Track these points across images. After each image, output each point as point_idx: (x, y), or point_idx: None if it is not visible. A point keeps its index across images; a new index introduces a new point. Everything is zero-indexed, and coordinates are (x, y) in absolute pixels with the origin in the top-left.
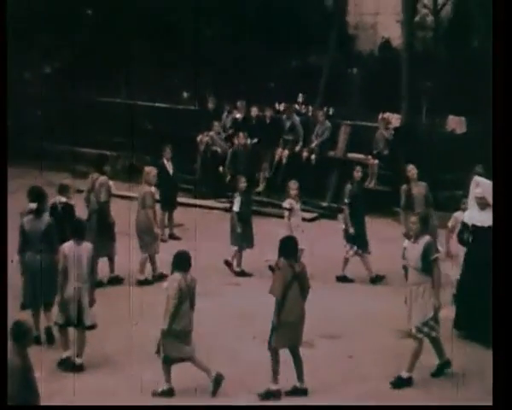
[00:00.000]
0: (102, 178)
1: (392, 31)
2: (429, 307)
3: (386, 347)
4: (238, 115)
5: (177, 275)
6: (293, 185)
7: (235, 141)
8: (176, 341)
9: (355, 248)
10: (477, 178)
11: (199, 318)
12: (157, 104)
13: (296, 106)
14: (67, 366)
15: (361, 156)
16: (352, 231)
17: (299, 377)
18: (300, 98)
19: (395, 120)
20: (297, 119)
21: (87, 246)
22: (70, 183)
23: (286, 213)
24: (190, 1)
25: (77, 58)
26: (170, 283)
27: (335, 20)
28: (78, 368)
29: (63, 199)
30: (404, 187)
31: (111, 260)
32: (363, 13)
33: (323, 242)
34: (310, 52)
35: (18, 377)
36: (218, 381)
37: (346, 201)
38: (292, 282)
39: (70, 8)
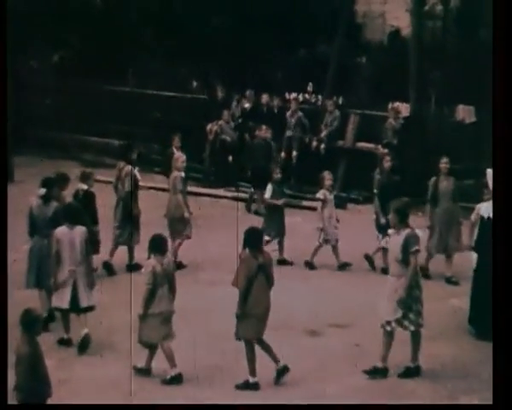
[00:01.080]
0: (127, 168)
1: (400, 20)
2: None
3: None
4: (247, 105)
5: (152, 260)
6: (327, 176)
7: (257, 133)
8: (154, 325)
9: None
10: (489, 171)
11: (207, 307)
12: (166, 93)
13: (306, 95)
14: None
15: (370, 146)
16: (383, 221)
17: (275, 359)
18: (310, 88)
19: (404, 109)
20: (301, 114)
21: (80, 230)
22: (91, 171)
23: (319, 204)
24: None
25: (85, 47)
26: (145, 268)
27: (344, 9)
28: (80, 350)
29: (84, 186)
30: (432, 179)
31: (130, 249)
32: (372, 1)
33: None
34: (318, 41)
35: (27, 366)
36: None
37: (374, 191)
38: (257, 273)
39: None
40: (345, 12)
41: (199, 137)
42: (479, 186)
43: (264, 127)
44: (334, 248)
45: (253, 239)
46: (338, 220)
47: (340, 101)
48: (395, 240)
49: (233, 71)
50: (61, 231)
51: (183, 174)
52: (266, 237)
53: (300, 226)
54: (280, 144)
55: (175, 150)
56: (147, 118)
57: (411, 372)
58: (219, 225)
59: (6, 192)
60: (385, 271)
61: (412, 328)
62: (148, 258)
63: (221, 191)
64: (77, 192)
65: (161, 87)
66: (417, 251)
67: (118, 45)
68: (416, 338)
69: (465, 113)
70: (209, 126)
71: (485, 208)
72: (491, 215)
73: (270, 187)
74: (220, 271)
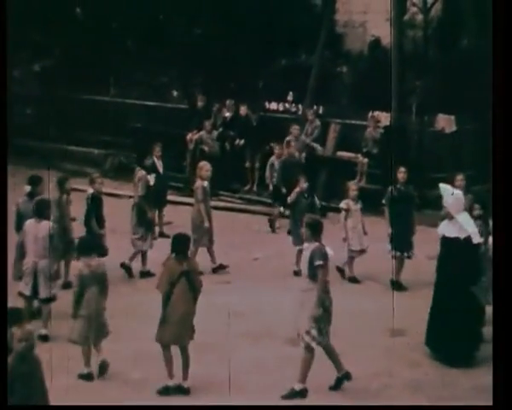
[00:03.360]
0: (140, 173)
1: (381, 29)
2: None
3: (375, 345)
4: (227, 114)
5: (80, 263)
6: (353, 186)
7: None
8: (84, 325)
9: (398, 253)
10: (441, 186)
11: None
12: (146, 102)
13: (286, 104)
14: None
15: (350, 155)
16: (389, 231)
17: (184, 375)
18: (290, 97)
19: (384, 118)
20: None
21: (46, 224)
22: (98, 175)
23: (342, 214)
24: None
25: (66, 56)
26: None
27: (324, 19)
28: (44, 338)
29: (91, 190)
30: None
31: (143, 254)
32: (353, 11)
33: None
34: (299, 51)
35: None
36: (102, 367)
37: (383, 202)
38: (179, 278)
39: (59, 6)
40: (325, 21)
41: (179, 147)
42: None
43: (292, 144)
44: (351, 260)
45: (178, 245)
46: (366, 233)
47: (321, 110)
48: (305, 254)
49: (213, 80)
50: (29, 223)
51: (205, 183)
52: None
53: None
54: (256, 153)
55: (155, 159)
56: (127, 127)
57: (341, 381)
58: None
59: (6, 192)
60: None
61: (317, 343)
62: (78, 260)
63: None
64: (88, 196)
65: (142, 96)
66: (321, 266)
67: (99, 55)
68: (329, 352)
69: (445, 122)
70: (189, 135)
71: (443, 227)
72: (447, 234)
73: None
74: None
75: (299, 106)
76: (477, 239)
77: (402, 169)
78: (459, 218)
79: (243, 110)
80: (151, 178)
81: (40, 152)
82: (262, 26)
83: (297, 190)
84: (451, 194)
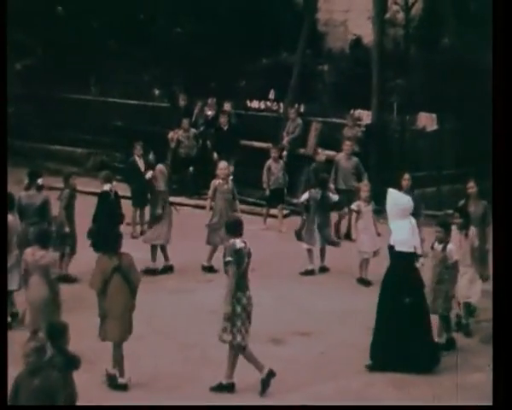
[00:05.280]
0: (159, 167)
1: (362, 28)
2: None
3: (356, 343)
4: (209, 113)
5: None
6: (364, 187)
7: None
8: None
9: None
10: (390, 191)
11: (172, 314)
12: (128, 101)
13: (268, 103)
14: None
15: (331, 153)
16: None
17: (121, 373)
18: (272, 95)
19: (366, 117)
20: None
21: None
22: (110, 173)
23: (353, 216)
24: None
25: (47, 55)
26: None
27: (306, 18)
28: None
29: (106, 187)
30: (460, 204)
31: (163, 249)
32: (334, 10)
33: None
34: (280, 50)
35: None
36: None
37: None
38: (112, 274)
39: (41, 4)
40: (307, 20)
41: (161, 145)
42: (440, 194)
43: (319, 150)
44: (364, 262)
45: (109, 242)
46: (379, 234)
47: (302, 108)
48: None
49: (195, 79)
50: (11, 218)
51: (217, 182)
52: (306, 246)
53: (262, 233)
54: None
55: (136, 158)
56: (109, 126)
57: (267, 382)
58: (182, 233)
59: (6, 192)
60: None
61: (229, 341)
62: None
63: (183, 199)
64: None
65: (124, 95)
66: (228, 262)
67: (80, 54)
68: (232, 353)
69: (427, 120)
70: (171, 134)
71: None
72: (397, 248)
73: (306, 195)
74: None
75: (281, 104)
76: (408, 247)
77: (406, 176)
78: (394, 225)
79: (227, 107)
80: (166, 173)
81: (22, 151)
82: (243, 24)
83: (310, 189)
84: (406, 200)
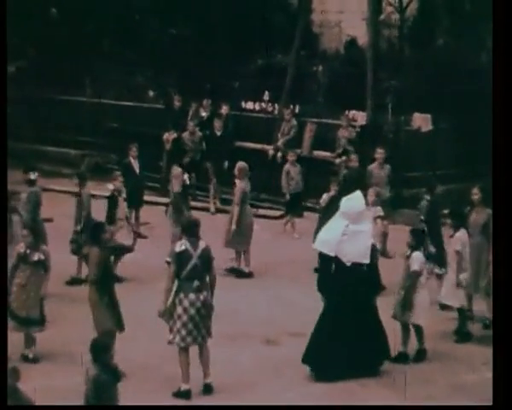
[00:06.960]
0: (176, 170)
1: (357, 29)
2: None
3: None
4: (204, 114)
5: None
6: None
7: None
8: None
9: (431, 266)
10: (358, 194)
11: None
12: (123, 103)
13: (263, 104)
14: None
15: (327, 154)
16: (432, 250)
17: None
18: (266, 96)
19: (361, 117)
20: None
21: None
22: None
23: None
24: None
25: (41, 57)
26: None
27: (300, 19)
28: None
29: (111, 187)
30: (465, 211)
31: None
32: (328, 11)
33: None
34: (275, 50)
35: None
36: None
37: (422, 217)
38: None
39: (34, 6)
40: (301, 21)
41: (156, 147)
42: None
43: (353, 156)
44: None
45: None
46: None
47: (297, 109)
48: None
49: (190, 80)
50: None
51: (238, 184)
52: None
53: (258, 235)
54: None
55: (132, 160)
56: (104, 127)
57: (209, 387)
58: None
59: (6, 192)
60: None
61: (168, 341)
62: None
63: None
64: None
65: (118, 96)
66: (168, 263)
67: (74, 55)
68: (200, 353)
69: (421, 121)
70: (166, 136)
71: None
72: (329, 253)
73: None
74: None
75: (276, 105)
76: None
77: (475, 190)
78: (331, 222)
79: (224, 110)
80: (187, 178)
81: (16, 153)
82: (238, 25)
83: (330, 193)
84: (364, 208)
